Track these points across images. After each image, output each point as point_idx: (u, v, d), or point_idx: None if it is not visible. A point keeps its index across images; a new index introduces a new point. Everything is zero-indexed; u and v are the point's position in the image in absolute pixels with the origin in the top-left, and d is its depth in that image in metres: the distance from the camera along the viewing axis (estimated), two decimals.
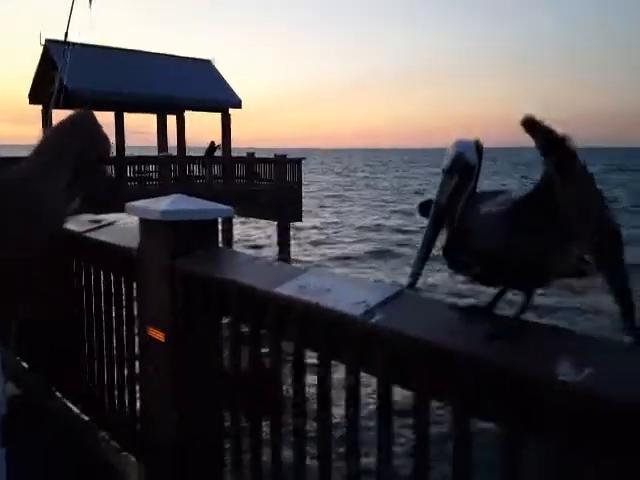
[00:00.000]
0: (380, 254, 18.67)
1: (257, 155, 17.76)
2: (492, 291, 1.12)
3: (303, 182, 17.09)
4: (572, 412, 0.88)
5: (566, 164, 0.90)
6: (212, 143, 17.92)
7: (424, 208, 1.13)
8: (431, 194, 1.14)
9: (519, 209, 0.98)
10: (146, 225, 1.84)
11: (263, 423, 1.58)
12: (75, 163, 0.81)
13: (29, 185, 0.69)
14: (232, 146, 18.69)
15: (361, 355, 1.24)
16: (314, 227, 24.56)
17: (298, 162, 16.85)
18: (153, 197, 1.90)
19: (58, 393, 2.58)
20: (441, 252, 1.08)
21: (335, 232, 23.51)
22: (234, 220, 18.27)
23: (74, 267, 2.40)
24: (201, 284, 1.67)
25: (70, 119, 0.85)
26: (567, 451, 0.90)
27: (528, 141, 0.91)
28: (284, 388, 1.56)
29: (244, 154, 17.89)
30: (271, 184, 16.57)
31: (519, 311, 1.03)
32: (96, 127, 0.86)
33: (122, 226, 2.30)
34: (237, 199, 16.20)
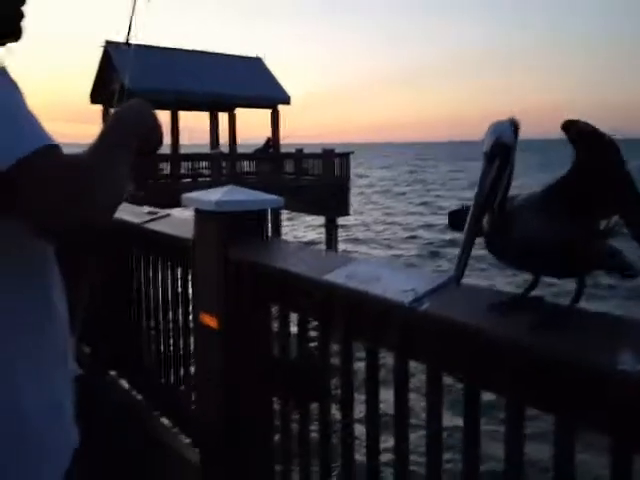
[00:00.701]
0: (429, 255, 18.36)
1: (306, 150, 17.90)
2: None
3: (352, 177, 17.09)
4: (633, 403, 0.85)
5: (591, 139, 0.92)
6: (268, 140, 18.18)
7: (454, 218, 1.12)
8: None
9: (551, 193, 0.99)
10: (201, 215, 1.91)
11: (310, 410, 1.61)
12: (138, 147, 0.85)
13: (92, 163, 0.73)
14: (281, 142, 18.91)
15: (410, 343, 1.24)
16: (362, 224, 24.51)
17: (346, 156, 16.84)
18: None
19: (116, 375, 2.72)
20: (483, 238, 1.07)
21: (384, 229, 23.32)
22: (283, 217, 18.51)
23: (133, 255, 2.52)
24: (251, 272, 1.72)
25: (135, 105, 0.89)
26: (627, 445, 0.88)
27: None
28: (332, 377, 1.58)
29: (293, 150, 18.07)
30: (319, 179, 16.65)
31: (573, 299, 1.02)
32: (155, 115, 0.90)
33: (178, 218, 2.39)
34: (285, 194, 16.40)
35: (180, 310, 2.21)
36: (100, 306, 2.83)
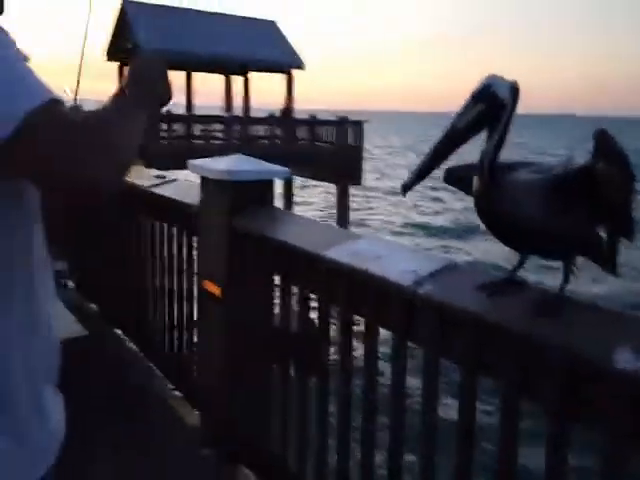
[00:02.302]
0: (440, 229, 18.21)
1: (319, 117, 17.64)
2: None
3: (366, 145, 16.87)
4: (631, 400, 0.85)
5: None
6: (285, 109, 17.89)
7: (449, 174, 1.11)
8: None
9: (560, 182, 0.97)
10: (207, 183, 1.89)
11: (308, 381, 1.63)
12: (153, 106, 0.83)
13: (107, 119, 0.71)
14: (295, 107, 18.64)
15: (408, 325, 1.24)
16: (374, 191, 24.35)
17: (360, 124, 16.59)
18: (217, 155, 1.95)
19: (123, 335, 2.77)
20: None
21: (396, 201, 23.14)
22: (296, 182, 18.41)
23: (139, 218, 2.52)
24: (255, 242, 1.72)
25: (147, 62, 0.86)
26: (624, 439, 0.87)
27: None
28: (331, 350, 1.59)
29: (306, 116, 17.83)
30: (332, 146, 16.47)
31: (562, 284, 1.01)
32: (166, 69, 0.88)
33: (185, 183, 2.38)
34: (299, 160, 16.30)
35: (185, 276, 2.22)
36: (106, 265, 2.86)
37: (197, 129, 15.46)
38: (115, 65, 17.53)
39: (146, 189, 2.36)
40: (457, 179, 1.11)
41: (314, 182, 20.32)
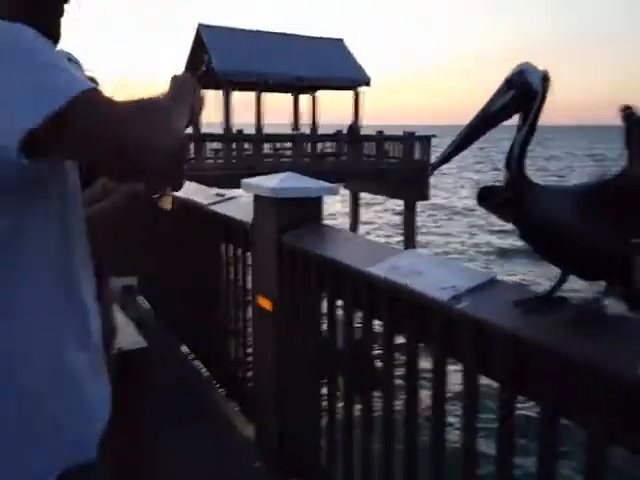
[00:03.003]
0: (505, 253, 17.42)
1: (386, 132, 17.65)
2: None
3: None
4: None
5: None
6: (351, 126, 18.07)
7: (482, 194, 1.10)
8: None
9: (597, 190, 0.93)
10: (259, 201, 1.96)
11: (356, 395, 1.63)
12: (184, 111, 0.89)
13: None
14: (362, 124, 18.76)
15: (447, 340, 1.22)
16: (442, 208, 23.86)
17: (427, 139, 16.41)
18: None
19: (184, 347, 2.89)
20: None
21: (467, 222, 22.45)
22: (362, 198, 18.43)
23: (198, 235, 2.65)
24: (303, 258, 1.76)
25: (189, 80, 0.93)
26: None
27: None
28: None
29: (373, 132, 17.88)
30: (399, 162, 16.39)
31: (596, 300, 0.97)
32: (197, 89, 0.94)
33: (242, 200, 2.47)
34: (365, 177, 16.36)
35: (241, 291, 2.30)
36: (169, 280, 3.01)
37: (267, 147, 15.95)
38: None
39: (205, 207, 2.48)
40: (495, 205, 1.11)
41: (381, 198, 20.26)
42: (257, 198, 1.98)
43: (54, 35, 0.84)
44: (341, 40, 19.56)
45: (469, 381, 1.18)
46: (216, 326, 2.58)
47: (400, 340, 1.41)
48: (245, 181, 2.01)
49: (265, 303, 1.97)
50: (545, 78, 1.03)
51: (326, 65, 17.80)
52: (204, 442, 2.15)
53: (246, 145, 15.45)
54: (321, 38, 19.60)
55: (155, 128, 0.70)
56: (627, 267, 0.98)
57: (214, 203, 2.49)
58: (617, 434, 0.90)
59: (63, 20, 0.85)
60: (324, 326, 1.77)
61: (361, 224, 18.47)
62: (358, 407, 1.61)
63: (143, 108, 0.72)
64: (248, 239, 2.10)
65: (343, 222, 18.02)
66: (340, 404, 1.70)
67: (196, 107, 0.95)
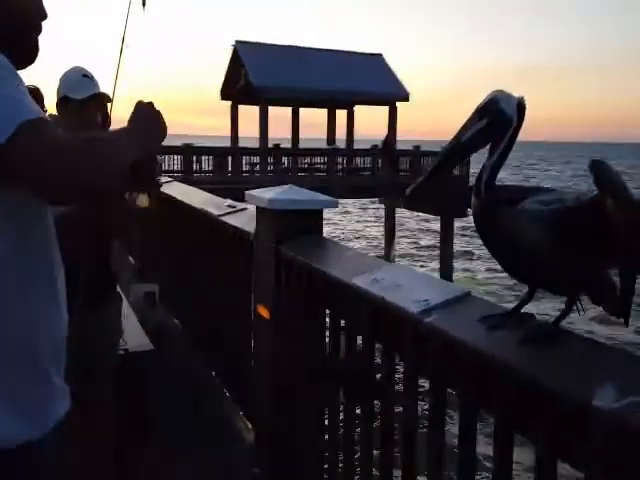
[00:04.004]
0: None
1: (425, 147, 17.57)
2: None
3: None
4: (605, 442, 0.79)
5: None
6: (386, 139, 18.10)
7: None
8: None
9: (570, 216, 0.92)
10: (259, 212, 2.03)
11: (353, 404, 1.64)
12: (144, 139, 0.94)
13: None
14: (398, 139, 18.73)
15: (416, 353, 1.24)
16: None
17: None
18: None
19: (197, 351, 2.97)
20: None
21: None
22: (401, 213, 18.32)
23: (211, 244, 2.74)
24: (297, 269, 1.80)
25: (150, 109, 0.99)
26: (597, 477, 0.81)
27: None
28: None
29: (410, 147, 17.84)
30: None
31: (558, 318, 0.96)
32: (160, 120, 0.99)
33: (251, 212, 2.54)
34: (401, 192, 16.25)
35: (244, 299, 2.36)
36: (184, 286, 3.11)
37: (302, 162, 16.16)
38: (228, 104, 18.95)
39: (216, 216, 2.56)
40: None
41: (417, 214, 20.09)
42: (258, 209, 2.04)
43: (32, 51, 0.92)
44: (380, 55, 19.67)
45: (435, 394, 1.18)
46: (227, 332, 2.65)
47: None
48: (248, 192, 2.07)
49: (263, 311, 2.02)
50: (520, 105, 1.02)
51: (363, 80, 17.91)
52: (204, 446, 2.21)
53: (282, 159, 15.71)
54: (359, 53, 19.76)
55: (88, 165, 0.79)
56: (596, 283, 0.98)
57: (226, 214, 2.57)
58: (566, 452, 0.89)
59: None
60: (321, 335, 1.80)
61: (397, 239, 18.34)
62: (357, 414, 1.62)
63: (77, 146, 0.80)
64: (250, 249, 2.16)
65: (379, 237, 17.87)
66: (341, 411, 1.71)
67: (156, 136, 0.98)
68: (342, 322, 1.63)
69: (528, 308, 1.09)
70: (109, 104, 1.85)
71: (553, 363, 0.91)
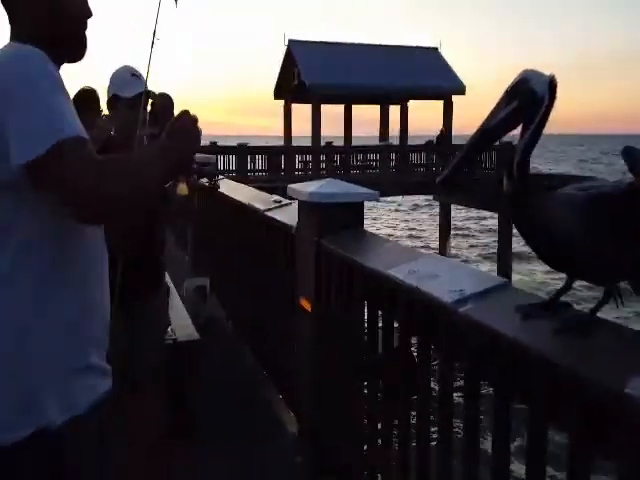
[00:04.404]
0: None
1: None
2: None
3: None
4: (635, 430, 0.75)
5: None
6: (441, 132, 17.79)
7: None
8: None
9: (605, 201, 0.89)
10: (301, 206, 2.05)
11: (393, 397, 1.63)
12: (178, 156, 0.97)
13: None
14: (454, 133, 18.32)
15: (451, 343, 1.22)
16: None
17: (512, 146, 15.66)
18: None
19: (242, 343, 3.05)
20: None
21: None
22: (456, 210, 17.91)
23: (257, 239, 2.80)
24: (338, 262, 1.81)
25: (188, 123, 1.01)
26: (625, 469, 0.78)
27: None
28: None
29: (465, 142, 17.37)
30: (493, 172, 15.77)
31: (595, 308, 0.92)
32: (197, 134, 1.01)
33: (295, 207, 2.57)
34: (456, 187, 15.92)
35: (288, 292, 2.39)
36: (232, 279, 3.18)
37: (355, 159, 16.10)
38: (281, 103, 19.15)
39: (262, 211, 2.61)
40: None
41: (475, 211, 19.56)
42: (300, 203, 2.06)
43: (80, 48, 0.98)
44: (435, 49, 19.29)
45: (469, 385, 1.16)
46: (272, 324, 2.70)
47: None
48: (290, 186, 2.10)
49: (305, 304, 2.05)
50: (552, 83, 0.99)
51: (417, 74, 17.63)
52: (249, 435, 2.26)
53: (335, 157, 15.72)
54: (414, 47, 19.46)
55: (120, 184, 0.83)
56: (633, 272, 0.93)
57: (271, 209, 2.62)
58: (599, 441, 0.86)
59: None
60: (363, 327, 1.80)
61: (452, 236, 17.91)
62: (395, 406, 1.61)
63: (106, 167, 0.84)
64: (293, 242, 2.19)
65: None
66: (380, 405, 1.71)
67: (190, 146, 0.98)
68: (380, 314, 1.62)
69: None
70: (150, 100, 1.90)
71: (587, 352, 0.88)
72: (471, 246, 19.07)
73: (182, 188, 1.13)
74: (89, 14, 0.98)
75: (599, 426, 0.83)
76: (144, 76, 1.83)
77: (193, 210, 2.07)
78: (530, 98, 0.99)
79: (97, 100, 2.40)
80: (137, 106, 1.77)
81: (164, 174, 0.96)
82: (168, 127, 0.97)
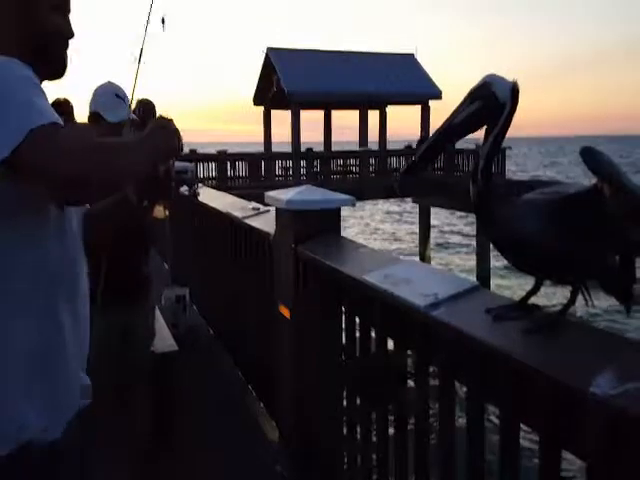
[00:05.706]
0: None
1: (458, 145, 17.31)
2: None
3: (508, 173, 16.09)
4: (600, 429, 0.78)
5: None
6: (421, 138, 17.94)
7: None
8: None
9: (566, 203, 0.91)
10: (278, 213, 2.06)
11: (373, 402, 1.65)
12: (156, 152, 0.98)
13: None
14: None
15: (425, 345, 1.24)
16: None
17: (502, 151, 15.91)
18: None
19: (223, 351, 3.04)
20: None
21: None
22: (433, 212, 18.09)
23: (236, 246, 2.80)
24: (314, 269, 1.82)
25: (166, 123, 1.02)
26: (592, 467, 0.80)
27: None
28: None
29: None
30: (470, 175, 15.98)
31: (563, 308, 0.95)
32: (174, 136, 1.02)
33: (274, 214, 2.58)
34: (435, 190, 16.08)
35: (267, 298, 2.40)
36: (211, 288, 3.17)
37: (335, 164, 16.17)
38: (261, 109, 19.17)
39: (240, 219, 2.61)
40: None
41: (452, 212, 19.77)
42: (278, 211, 2.07)
43: (59, 66, 0.98)
44: (411, 55, 19.53)
45: (444, 386, 1.18)
46: (252, 331, 2.69)
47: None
48: (268, 194, 2.11)
49: (284, 310, 2.05)
50: (514, 89, 1.01)
51: (395, 80, 17.83)
52: (229, 442, 2.25)
53: (315, 162, 15.76)
54: (390, 54, 19.68)
55: (99, 165, 0.83)
56: (598, 271, 0.96)
57: (249, 216, 2.62)
58: (567, 440, 0.88)
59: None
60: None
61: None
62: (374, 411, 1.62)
63: (91, 147, 0.84)
64: (270, 249, 2.20)
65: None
66: (360, 411, 1.72)
67: (169, 137, 1.00)
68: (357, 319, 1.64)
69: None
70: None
71: (554, 352, 0.90)
72: (451, 249, 19.26)
73: (159, 211, 1.12)
74: (70, 35, 0.99)
75: (566, 425, 0.86)
76: (128, 98, 1.76)
77: (166, 235, 2.07)
78: (491, 102, 1.01)
79: (71, 112, 2.38)
80: (120, 131, 1.73)
81: (147, 155, 0.96)
82: (148, 127, 1.00)
